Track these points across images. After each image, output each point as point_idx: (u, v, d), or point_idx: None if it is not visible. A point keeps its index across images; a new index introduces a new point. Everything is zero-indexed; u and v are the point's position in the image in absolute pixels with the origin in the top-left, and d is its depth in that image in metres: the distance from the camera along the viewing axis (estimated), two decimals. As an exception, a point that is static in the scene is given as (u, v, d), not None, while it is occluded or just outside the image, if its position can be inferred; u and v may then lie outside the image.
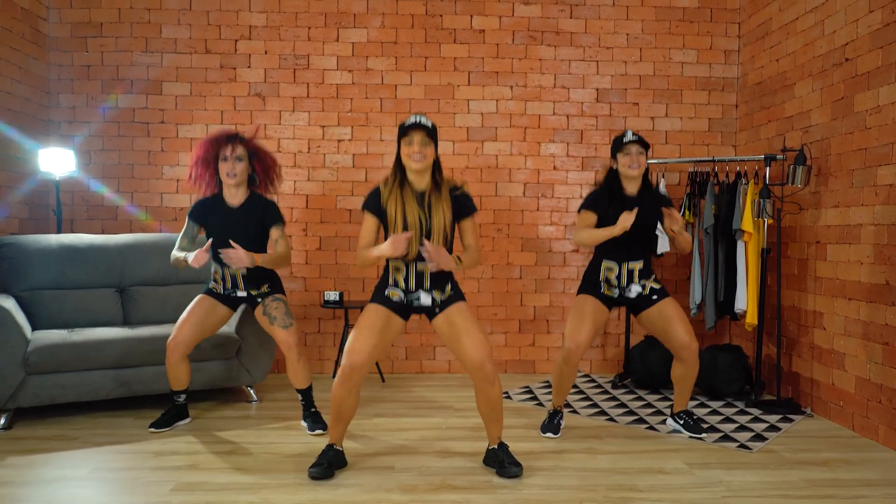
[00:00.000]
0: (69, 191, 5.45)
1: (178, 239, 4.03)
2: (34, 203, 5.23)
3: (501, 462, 3.34)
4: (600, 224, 3.86)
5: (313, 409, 4.08)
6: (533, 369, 5.67)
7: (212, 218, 3.97)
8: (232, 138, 3.89)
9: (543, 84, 5.61)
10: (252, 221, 3.96)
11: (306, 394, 4.08)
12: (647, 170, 3.90)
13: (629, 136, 3.79)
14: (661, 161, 5.28)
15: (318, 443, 3.78)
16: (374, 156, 5.55)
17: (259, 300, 4.03)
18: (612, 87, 5.64)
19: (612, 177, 3.91)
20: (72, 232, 5.41)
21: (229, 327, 4.60)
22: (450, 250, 3.35)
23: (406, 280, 3.33)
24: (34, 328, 4.43)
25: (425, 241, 3.14)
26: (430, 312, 3.39)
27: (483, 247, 5.60)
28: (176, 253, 3.95)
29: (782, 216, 4.78)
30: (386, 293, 3.36)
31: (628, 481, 3.26)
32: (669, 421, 4.14)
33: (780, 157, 4.69)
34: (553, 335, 5.66)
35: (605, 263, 3.92)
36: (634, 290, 3.91)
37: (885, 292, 3.86)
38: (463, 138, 5.59)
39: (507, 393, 4.94)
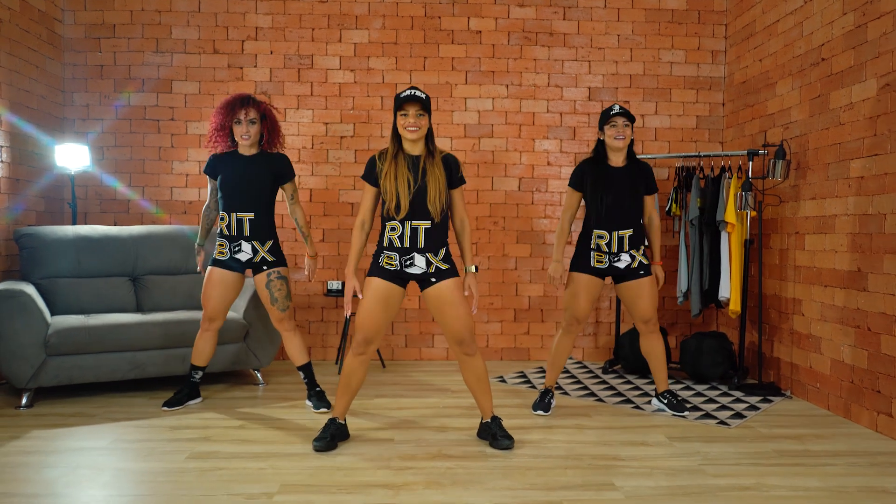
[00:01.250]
0: (83, 185, 5.69)
1: (208, 196, 4.37)
2: (50, 197, 5.48)
3: (494, 435, 3.57)
4: (587, 198, 4.16)
5: (318, 389, 4.32)
6: (528, 356, 5.91)
7: (223, 167, 4.19)
8: (246, 101, 4.14)
9: (538, 83, 5.85)
10: (264, 169, 4.20)
11: (307, 371, 4.32)
12: (632, 141, 4.16)
13: (616, 109, 4.05)
14: (650, 157, 5.52)
15: (323, 419, 4.01)
16: (375, 152, 5.76)
17: (264, 267, 4.23)
18: (603, 86, 5.87)
19: (599, 147, 4.18)
20: (85, 224, 5.64)
21: (237, 313, 4.84)
22: (445, 216, 3.54)
23: (401, 238, 3.48)
24: (52, 314, 4.67)
25: (466, 292, 3.55)
26: (424, 281, 3.55)
27: (479, 239, 5.84)
28: (198, 243, 4.39)
29: (763, 208, 5.01)
30: (380, 262, 3.53)
31: (611, 452, 3.50)
32: (654, 401, 4.37)
33: (761, 152, 4.92)
34: (547, 324, 5.90)
35: (596, 232, 4.15)
36: (624, 259, 4.13)
37: (857, 278, 4.09)
38: (460, 135, 5.83)
39: (501, 377, 5.18)
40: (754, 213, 4.96)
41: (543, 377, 5.20)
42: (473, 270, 3.59)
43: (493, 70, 5.83)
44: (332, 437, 3.53)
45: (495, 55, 5.82)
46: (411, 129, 3.43)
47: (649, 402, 4.48)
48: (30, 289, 4.38)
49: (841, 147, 4.27)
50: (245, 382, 4.98)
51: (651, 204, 4.23)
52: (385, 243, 3.53)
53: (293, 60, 5.76)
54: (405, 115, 3.44)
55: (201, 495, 2.90)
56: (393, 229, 3.50)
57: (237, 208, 4.16)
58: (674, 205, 5.39)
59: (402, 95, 3.44)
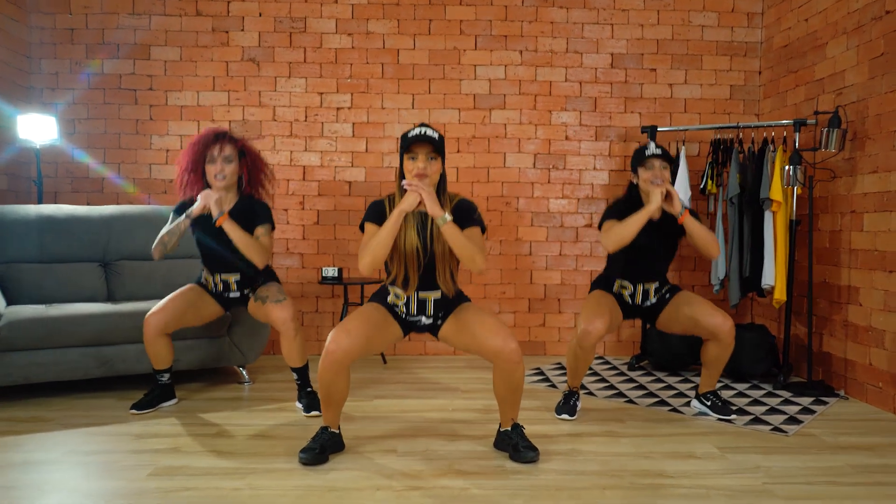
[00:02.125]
0: (52, 162, 5.13)
1: (167, 231, 3.61)
2: (13, 174, 4.92)
3: (515, 445, 3.02)
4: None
5: (309, 390, 3.77)
6: (544, 351, 5.35)
7: (198, 224, 3.65)
8: (221, 136, 3.58)
9: (555, 49, 5.28)
10: (245, 226, 3.63)
11: (302, 373, 3.77)
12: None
13: (652, 149, 3.48)
14: (681, 129, 4.94)
15: (314, 425, 3.47)
16: (375, 124, 5.22)
17: (250, 294, 3.77)
18: (627, 52, 5.30)
19: (632, 192, 3.63)
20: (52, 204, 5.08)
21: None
22: (454, 276, 3.05)
23: (407, 306, 3.05)
24: (11, 303, 4.13)
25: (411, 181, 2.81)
26: (433, 328, 3.10)
27: (490, 221, 5.28)
28: (161, 235, 3.60)
29: (814, 184, 4.43)
30: (388, 300, 3.07)
31: (655, 466, 2.94)
32: (695, 402, 3.82)
33: (811, 121, 4.36)
34: (565, 315, 5.34)
35: (619, 281, 3.68)
36: (650, 299, 3.69)
37: (931, 262, 3.53)
38: (469, 106, 5.26)
39: (517, 375, 4.62)
40: (801, 191, 4.39)
41: (562, 373, 4.65)
42: (449, 216, 2.82)
43: (506, 34, 5.25)
44: (323, 448, 2.98)
45: (508, 17, 5.24)
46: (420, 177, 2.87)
47: (688, 405, 3.93)
48: (-20, 275, 3.83)
49: (912, 111, 3.71)
50: (229, 381, 4.42)
51: (694, 224, 3.53)
52: (389, 301, 3.09)
53: (284, 23, 5.19)
54: (413, 158, 2.87)
55: (159, 526, 2.35)
56: (397, 296, 3.05)
57: (220, 270, 3.71)
58: (710, 181, 4.83)
59: (410, 135, 2.85)
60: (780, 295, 4.43)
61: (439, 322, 3.07)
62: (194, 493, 2.62)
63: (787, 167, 4.27)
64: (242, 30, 5.18)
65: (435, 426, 3.49)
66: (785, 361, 4.44)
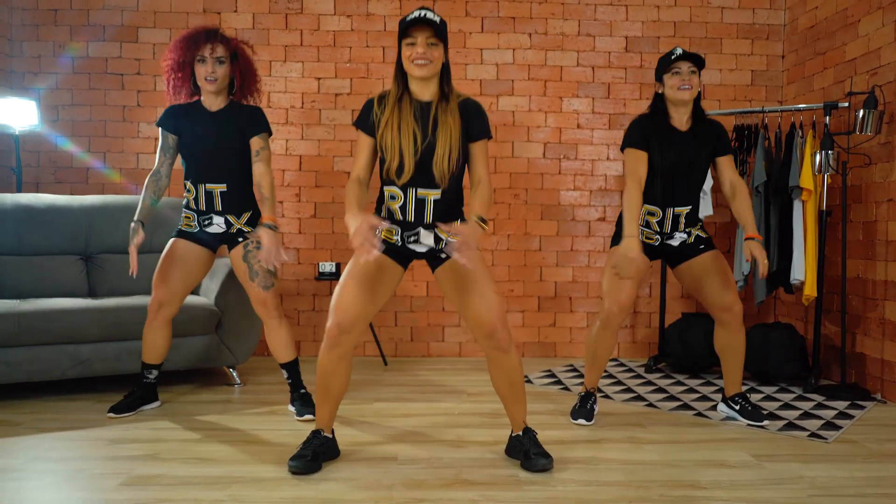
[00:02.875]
0: (34, 150, 4.85)
1: (157, 156, 3.38)
2: (-8, 162, 4.64)
3: (527, 452, 2.72)
4: (651, 159, 3.22)
5: (302, 391, 3.47)
6: (554, 352, 5.05)
7: (185, 126, 3.33)
8: (212, 35, 3.24)
9: (566, 31, 4.98)
10: (236, 131, 3.32)
11: (292, 369, 3.46)
12: (699, 95, 3.25)
13: (678, 52, 3.15)
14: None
15: (306, 430, 3.16)
16: (375, 111, 4.93)
17: (240, 239, 3.37)
18: (643, 35, 5.00)
19: (658, 103, 3.28)
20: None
21: (208, 298, 4.00)
22: (459, 173, 2.69)
23: (403, 210, 2.66)
24: (-18, 298, 3.83)
25: (450, 239, 2.52)
26: (433, 258, 2.73)
27: (498, 214, 4.98)
28: (136, 219, 3.32)
29: (847, 171, 4.12)
30: (378, 233, 2.70)
31: (686, 476, 2.64)
32: (721, 406, 3.51)
33: (843, 104, 4.06)
34: (577, 314, 5.03)
35: (647, 208, 3.28)
36: (678, 237, 3.30)
37: (983, 252, 3.23)
38: (476, 92, 4.96)
39: (527, 377, 4.32)
40: (830, 180, 4.09)
41: (577, 376, 4.34)
42: (480, 221, 2.54)
43: (514, 16, 4.96)
44: (315, 455, 2.67)
45: (517, -2, 4.96)
46: (420, 61, 2.54)
47: (714, 409, 3.62)
48: (-53, 266, 3.54)
49: (959, 88, 3.41)
50: (217, 383, 4.12)
51: (730, 167, 3.29)
52: (383, 213, 2.70)
53: (280, 4, 4.90)
54: (412, 43, 2.55)
55: (124, 544, 2.04)
56: (393, 198, 2.66)
57: (205, 179, 3.32)
58: (733, 170, 4.52)
59: (408, 18, 2.54)
60: (810, 290, 4.12)
61: (442, 255, 2.71)
62: (168, 505, 2.32)
63: (818, 153, 3.97)
64: (235, 11, 4.89)
65: (440, 431, 3.19)
66: (815, 363, 4.13)
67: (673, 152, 3.20)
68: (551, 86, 5.00)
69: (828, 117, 4.07)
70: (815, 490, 2.50)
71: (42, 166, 4.88)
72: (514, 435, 2.82)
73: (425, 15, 2.53)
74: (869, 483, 2.58)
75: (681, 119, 3.24)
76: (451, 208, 2.70)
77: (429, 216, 2.66)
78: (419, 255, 2.74)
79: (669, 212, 3.27)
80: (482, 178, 2.68)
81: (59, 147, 4.87)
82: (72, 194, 4.82)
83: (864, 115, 3.82)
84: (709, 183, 4.50)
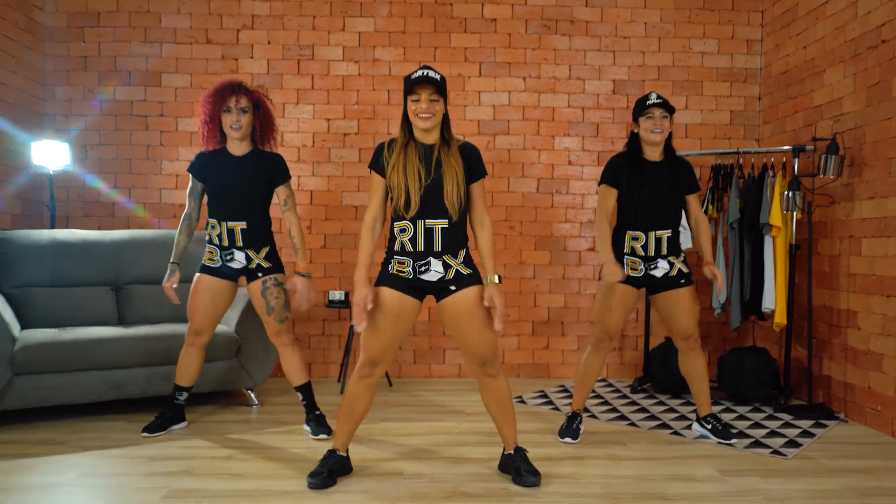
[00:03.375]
0: (65, 186, 5.24)
1: (187, 200, 3.81)
2: (27, 198, 5.02)
3: (518, 469, 3.09)
4: (621, 196, 3.66)
5: (317, 412, 3.85)
6: (547, 373, 5.42)
7: (212, 169, 3.73)
8: (236, 88, 3.66)
9: (558, 75, 5.38)
10: (258, 175, 3.73)
11: (306, 391, 3.85)
12: (670, 135, 3.67)
13: (653, 98, 3.57)
14: (683, 154, 5.03)
15: (323, 448, 3.53)
16: (381, 150, 5.32)
17: (259, 274, 3.76)
18: (629, 79, 5.40)
19: (634, 141, 3.69)
20: (67, 228, 5.18)
21: (228, 326, 4.37)
22: (463, 212, 3.05)
23: (413, 241, 3.00)
24: (25, 327, 4.20)
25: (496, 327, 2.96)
26: (441, 290, 3.06)
27: (494, 245, 5.35)
28: (172, 261, 3.80)
29: (813, 209, 4.51)
30: (391, 270, 3.05)
31: (656, 489, 3.01)
32: (695, 426, 3.88)
33: (809, 147, 4.45)
34: (568, 337, 5.41)
35: (630, 233, 3.68)
36: (661, 267, 3.66)
37: (928, 288, 3.60)
38: (474, 132, 5.36)
39: (520, 397, 4.69)
40: (800, 216, 4.48)
41: (566, 396, 4.71)
42: (496, 281, 3.01)
43: (510, 61, 5.36)
44: (331, 472, 3.04)
45: (512, 45, 5.35)
46: (424, 115, 2.93)
47: (689, 428, 3.99)
48: (-4, 299, 3.92)
49: (907, 139, 3.79)
50: (237, 403, 4.50)
51: (696, 204, 3.74)
52: (396, 247, 3.04)
53: (292, 51, 5.31)
54: (417, 99, 2.94)
55: (173, 548, 2.42)
56: (403, 230, 3.00)
57: (228, 217, 3.71)
58: (710, 206, 4.91)
59: (413, 77, 2.94)
60: (780, 318, 4.50)
61: (452, 288, 3.02)
62: (206, 515, 2.69)
63: (786, 192, 4.35)
64: (251, 57, 5.30)
65: (441, 449, 3.56)
66: (786, 384, 4.50)
67: (649, 181, 3.61)
68: (544, 125, 5.39)
69: (796, 160, 4.45)
70: (768, 501, 2.87)
71: (72, 201, 5.27)
72: (506, 453, 3.19)
73: (427, 74, 2.93)
74: (816, 495, 2.95)
75: (654, 155, 3.67)
76: (457, 235, 3.05)
77: (437, 244, 3.00)
78: (430, 287, 3.05)
79: (652, 235, 3.65)
80: (484, 218, 3.10)
81: (87, 184, 5.26)
82: (99, 228, 5.22)
83: (825, 160, 4.20)
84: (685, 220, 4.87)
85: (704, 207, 4.93)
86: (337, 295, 4.99)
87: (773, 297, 4.53)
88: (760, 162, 4.99)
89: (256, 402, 4.46)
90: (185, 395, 3.87)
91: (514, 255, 5.39)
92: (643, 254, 3.66)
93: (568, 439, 3.71)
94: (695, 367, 3.75)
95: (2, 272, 4.29)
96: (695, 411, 4.31)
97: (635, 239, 3.66)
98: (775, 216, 4.44)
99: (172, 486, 2.99)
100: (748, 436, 3.83)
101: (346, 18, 5.29)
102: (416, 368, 5.38)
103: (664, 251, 3.66)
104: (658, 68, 5.40)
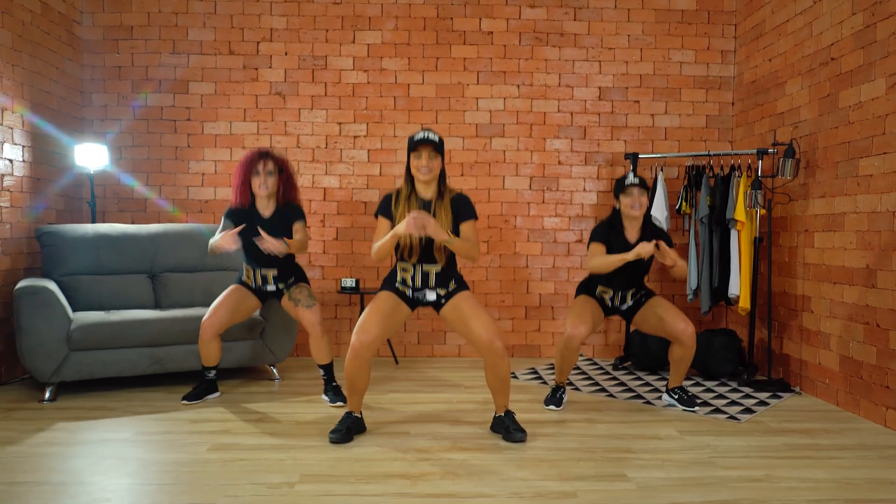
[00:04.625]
0: (101, 184, 5.79)
1: (217, 235, 4.32)
2: (69, 196, 5.58)
3: (507, 428, 3.65)
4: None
5: (334, 384, 4.41)
6: (539, 353, 5.97)
7: (245, 230, 4.26)
8: (264, 155, 4.28)
9: (549, 83, 5.92)
10: (282, 227, 4.31)
11: (328, 369, 4.41)
12: (648, 209, 4.25)
13: (630, 179, 4.11)
14: (660, 156, 5.59)
15: (339, 413, 4.08)
16: (387, 151, 5.87)
17: (284, 290, 4.40)
18: (613, 86, 5.93)
19: (615, 217, 4.24)
20: (104, 223, 5.73)
21: (254, 310, 4.93)
22: (451, 258, 3.68)
23: (413, 279, 3.66)
24: (73, 310, 4.76)
25: (414, 212, 3.40)
26: (437, 305, 3.72)
27: (491, 237, 5.91)
28: (211, 241, 4.29)
29: (773, 206, 5.06)
30: (396, 285, 3.70)
31: (623, 445, 3.56)
32: (665, 396, 4.43)
33: (771, 150, 4.98)
34: (557, 321, 5.96)
35: (601, 287, 4.30)
36: (627, 302, 4.30)
37: (866, 276, 4.15)
38: (472, 134, 5.90)
39: (513, 373, 5.25)
40: (764, 212, 5.01)
41: (554, 373, 5.26)
42: (450, 233, 3.47)
43: (505, 70, 5.91)
44: (348, 429, 3.61)
45: (507, 56, 5.89)
46: (424, 171, 3.56)
47: (660, 398, 4.54)
48: (52, 285, 4.47)
49: (850, 146, 4.33)
50: (261, 378, 5.06)
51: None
52: (398, 278, 3.70)
53: (307, 61, 5.85)
54: (419, 157, 3.56)
55: (224, 484, 2.98)
56: (405, 270, 3.67)
57: (260, 266, 4.36)
58: (684, 203, 5.45)
59: (415, 138, 3.54)
60: (744, 303, 5.05)
61: (443, 301, 3.68)
62: (247, 462, 3.25)
63: (749, 191, 4.89)
64: (270, 67, 5.83)
65: (441, 414, 4.12)
66: (750, 361, 5.05)
67: (627, 264, 4.10)
68: (536, 129, 5.93)
69: (760, 161, 4.99)
70: (715, 454, 3.43)
71: (108, 198, 5.82)
72: (497, 416, 3.75)
73: (428, 136, 3.54)
74: (758, 450, 3.50)
75: (633, 230, 4.19)
76: (448, 275, 3.70)
77: (432, 282, 3.67)
78: (425, 304, 3.75)
79: (619, 293, 4.28)
80: (470, 238, 3.63)
81: (122, 182, 5.81)
82: (132, 222, 5.78)
83: (783, 163, 4.74)
84: (663, 213, 5.42)
85: (679, 204, 5.47)
86: (348, 282, 5.54)
87: (739, 285, 5.08)
88: (729, 163, 5.53)
89: (278, 377, 5.02)
90: (214, 372, 4.46)
91: (509, 247, 5.94)
92: (609, 305, 4.33)
93: (552, 407, 4.27)
94: (686, 356, 4.16)
95: (53, 262, 4.85)
96: (666, 384, 4.86)
97: (604, 291, 4.32)
98: (740, 212, 4.98)
99: (215, 442, 3.55)
100: (711, 405, 4.38)
101: (356, 32, 5.83)
102: (420, 348, 5.94)
103: (629, 301, 4.30)
104: (640, 76, 5.93)
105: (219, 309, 4.31)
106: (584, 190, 5.94)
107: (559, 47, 5.90)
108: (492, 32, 5.87)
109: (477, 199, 5.87)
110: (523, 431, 3.63)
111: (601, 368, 5.50)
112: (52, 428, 3.76)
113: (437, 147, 3.55)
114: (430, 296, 3.68)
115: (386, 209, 3.66)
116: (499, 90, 5.91)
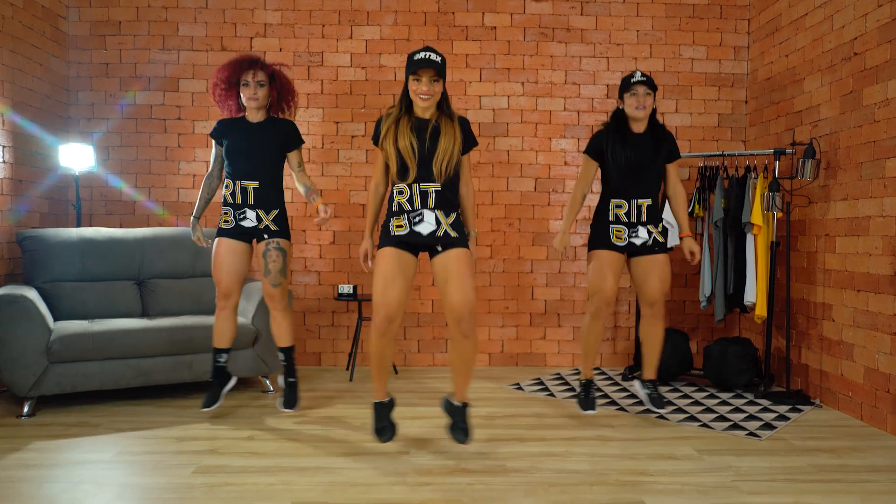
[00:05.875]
0: (88, 186, 5.55)
1: (211, 163, 4.17)
2: (54, 198, 5.34)
3: (456, 422, 3.45)
4: (604, 167, 4.03)
5: (291, 379, 4.15)
6: (544, 362, 5.73)
7: (229, 134, 4.04)
8: (254, 63, 3.98)
9: (554, 80, 5.68)
10: (272, 138, 4.04)
11: (288, 354, 4.15)
12: (654, 110, 4.00)
13: (637, 76, 3.87)
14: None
15: (334, 429, 3.85)
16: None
17: (265, 236, 4.05)
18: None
19: (618, 117, 4.00)
20: (90, 227, 5.49)
21: (245, 318, 4.68)
22: (455, 177, 3.38)
23: (411, 202, 3.32)
24: (56, 319, 4.52)
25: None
26: (433, 248, 3.39)
27: (494, 241, 5.67)
28: (194, 215, 4.14)
29: (791, 209, 4.82)
30: (390, 230, 3.38)
31: (639, 466, 3.32)
32: (637, 383, 4.25)
33: (789, 151, 4.74)
34: (564, 328, 5.72)
35: (614, 202, 4.00)
36: (642, 234, 4.00)
37: (893, 283, 3.91)
38: (475, 133, 5.64)
39: (518, 384, 5.01)
40: (781, 215, 4.77)
41: (562, 384, 5.03)
42: (472, 234, 3.48)
43: (509, 67, 5.66)
44: (390, 421, 3.51)
45: (510, 52, 5.65)
46: (423, 96, 3.26)
47: (676, 413, 4.30)
48: (32, 293, 4.23)
49: (875, 145, 4.09)
50: (253, 389, 4.82)
51: (675, 173, 4.08)
52: (394, 208, 3.39)
53: (303, 58, 5.61)
54: (418, 80, 3.26)
55: (208, 514, 2.74)
56: (401, 192, 3.35)
57: (242, 176, 4.02)
58: (696, 206, 5.21)
59: (415, 58, 3.24)
60: (760, 311, 4.81)
61: (439, 247, 3.36)
62: (234, 487, 3.01)
63: (766, 193, 4.65)
64: (264, 64, 5.59)
65: (443, 431, 3.87)
66: (766, 372, 4.81)
67: (631, 149, 3.92)
68: (541, 128, 5.69)
69: (777, 162, 4.75)
70: (737, 477, 3.19)
71: (94, 200, 5.58)
72: (454, 403, 3.50)
73: (429, 57, 3.23)
74: (782, 472, 3.26)
75: (638, 129, 3.99)
76: (450, 198, 3.37)
77: (431, 202, 3.33)
78: (422, 241, 3.36)
79: (633, 203, 3.98)
80: (469, 183, 3.48)
81: (109, 184, 5.57)
82: (121, 225, 5.54)
83: (803, 163, 4.50)
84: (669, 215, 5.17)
85: (692, 207, 5.23)
86: (345, 288, 5.30)
87: (755, 291, 4.84)
88: (744, 164, 5.29)
89: (271, 388, 4.78)
90: (226, 356, 4.12)
91: (513, 251, 5.70)
92: (626, 220, 3.99)
93: (590, 412, 4.09)
94: (654, 334, 4.10)
95: (34, 268, 4.61)
96: (683, 397, 4.62)
97: (619, 206, 3.99)
98: (756, 215, 4.74)
99: (201, 463, 3.31)
100: (728, 419, 4.14)
101: (353, 27, 5.59)
102: (420, 357, 5.70)
103: (644, 218, 3.99)
104: (650, 73, 5.68)
105: (221, 273, 3.99)
106: (592, 192, 5.70)
107: (565, 43, 5.66)
108: (495, 27, 5.63)
109: (480, 202, 5.63)
110: (468, 434, 3.41)
111: (610, 378, 5.26)
112: (29, 447, 3.52)
113: (440, 70, 3.24)
114: (429, 217, 3.31)
115: (376, 135, 3.43)
116: (502, 88, 5.67)
